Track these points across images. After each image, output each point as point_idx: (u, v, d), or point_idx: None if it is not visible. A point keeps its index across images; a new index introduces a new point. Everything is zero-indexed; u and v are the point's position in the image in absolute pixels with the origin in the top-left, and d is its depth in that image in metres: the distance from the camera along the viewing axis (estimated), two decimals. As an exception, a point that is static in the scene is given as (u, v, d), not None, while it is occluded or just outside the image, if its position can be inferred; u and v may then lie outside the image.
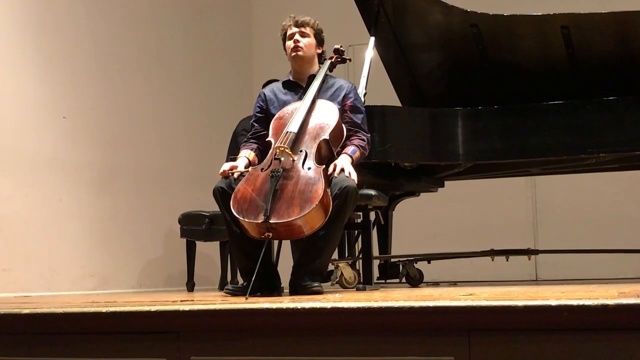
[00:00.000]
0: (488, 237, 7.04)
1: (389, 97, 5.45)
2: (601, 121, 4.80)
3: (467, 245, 6.55)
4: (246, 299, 3.26)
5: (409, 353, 2.50)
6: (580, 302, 2.35)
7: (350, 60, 4.55)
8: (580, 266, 7.00)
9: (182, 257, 6.24)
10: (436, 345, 2.48)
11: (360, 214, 4.79)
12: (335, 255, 4.88)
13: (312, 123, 4.03)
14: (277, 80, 5.13)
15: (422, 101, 5.50)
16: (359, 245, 5.26)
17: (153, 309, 2.79)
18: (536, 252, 5.96)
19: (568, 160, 5.10)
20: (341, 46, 4.46)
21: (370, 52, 5.08)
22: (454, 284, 6.02)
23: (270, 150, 3.96)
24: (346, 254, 5.67)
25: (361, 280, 4.64)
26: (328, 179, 3.82)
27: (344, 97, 4.22)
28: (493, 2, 6.68)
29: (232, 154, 5.05)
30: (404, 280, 5.61)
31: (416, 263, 5.69)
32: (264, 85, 5.74)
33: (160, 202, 7.02)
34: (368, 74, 4.94)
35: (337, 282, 5.01)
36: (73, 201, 6.23)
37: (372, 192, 4.47)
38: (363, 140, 4.15)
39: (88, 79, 6.48)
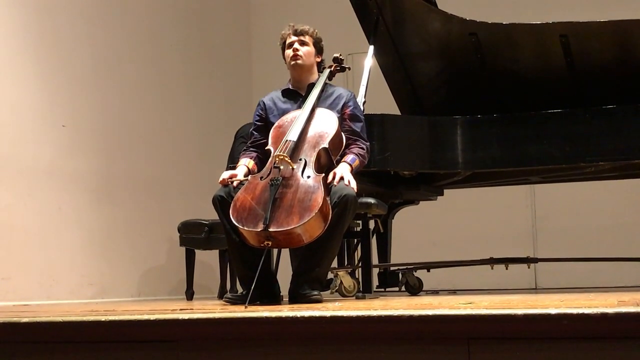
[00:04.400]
0: (487, 246, 7.04)
1: (388, 105, 5.45)
2: (600, 129, 4.80)
3: (467, 253, 6.54)
4: (245, 307, 3.26)
5: (409, 362, 2.50)
6: (580, 311, 2.35)
7: (349, 68, 4.55)
8: (580, 274, 6.99)
9: (181, 265, 6.23)
10: (436, 354, 2.47)
11: (360, 222, 4.79)
12: (334, 264, 4.88)
13: (312, 131, 4.03)
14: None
15: (422, 110, 5.50)
16: (358, 254, 5.26)
17: (152, 317, 2.78)
18: (535, 260, 5.96)
19: (567, 168, 5.10)
20: (340, 55, 4.46)
21: (369, 60, 5.09)
22: (453, 292, 6.02)
23: (270, 159, 3.97)
24: (345, 263, 5.67)
25: (360, 289, 4.64)
26: (327, 187, 3.82)
27: (343, 105, 4.23)
28: (492, 11, 6.71)
29: (232, 161, 5.05)
30: (403, 288, 5.61)
31: (415, 271, 5.69)
32: None
33: (160, 211, 7.02)
34: (367, 83, 4.94)
35: (336, 291, 5.00)
36: (72, 210, 6.22)
37: (372, 200, 4.48)
38: (362, 148, 4.16)
39: (87, 88, 6.49)
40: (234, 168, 4.10)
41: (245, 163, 4.12)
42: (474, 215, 7.73)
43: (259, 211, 3.67)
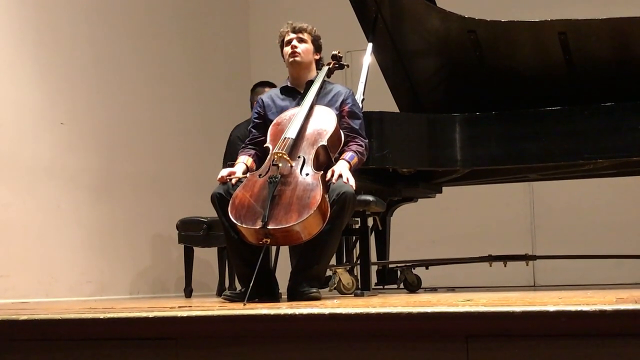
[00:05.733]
0: (486, 243, 7.04)
1: (386, 103, 5.45)
2: (599, 127, 4.80)
3: (465, 251, 6.55)
4: (244, 305, 3.26)
5: (407, 359, 2.50)
6: (578, 308, 2.35)
7: (348, 66, 4.54)
8: (578, 272, 7.00)
9: (180, 263, 6.23)
10: (434, 351, 2.48)
11: (358, 219, 4.79)
12: (333, 261, 4.89)
13: (310, 129, 4.03)
14: (268, 83, 5.14)
15: (420, 107, 5.50)
16: (356, 251, 5.26)
17: (151, 315, 2.78)
18: (534, 257, 5.97)
19: (566, 166, 5.10)
20: (339, 52, 4.46)
21: (368, 58, 5.08)
22: (452, 289, 6.02)
23: (268, 156, 3.97)
24: (344, 260, 5.68)
25: (359, 286, 4.64)
26: (326, 185, 3.83)
27: (342, 102, 4.23)
28: (491, 8, 6.71)
29: (228, 162, 5.05)
30: (402, 286, 5.61)
31: (414, 269, 5.70)
32: (253, 88, 5.80)
33: (158, 208, 7.02)
34: (366, 80, 4.94)
35: (335, 288, 5.01)
36: (71, 208, 6.22)
37: (370, 197, 4.47)
38: (361, 146, 4.16)
39: (86, 86, 6.48)
40: (232, 166, 4.10)
41: (244, 160, 4.12)
42: (472, 213, 7.73)
43: (258, 209, 3.67)
